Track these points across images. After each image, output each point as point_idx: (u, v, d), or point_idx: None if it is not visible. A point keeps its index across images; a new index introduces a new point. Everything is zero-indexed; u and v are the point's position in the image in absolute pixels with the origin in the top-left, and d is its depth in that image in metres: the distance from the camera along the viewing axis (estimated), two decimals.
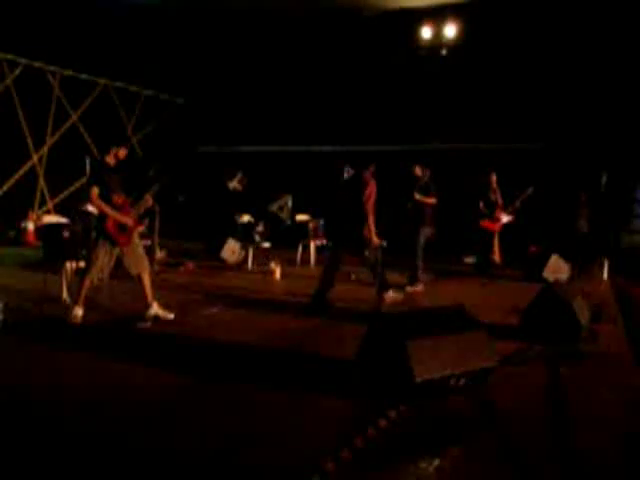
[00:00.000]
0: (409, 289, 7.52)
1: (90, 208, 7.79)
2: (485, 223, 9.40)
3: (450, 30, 10.94)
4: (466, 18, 10.97)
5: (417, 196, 7.78)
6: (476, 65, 11.34)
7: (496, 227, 9.49)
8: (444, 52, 11.12)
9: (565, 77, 10.65)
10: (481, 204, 9.38)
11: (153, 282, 5.73)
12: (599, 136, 10.33)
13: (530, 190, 9.26)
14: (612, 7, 10.00)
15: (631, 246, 10.58)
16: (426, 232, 7.76)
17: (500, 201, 9.46)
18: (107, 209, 5.28)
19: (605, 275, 9.22)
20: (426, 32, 11.10)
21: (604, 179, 10.27)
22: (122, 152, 5.43)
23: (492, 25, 10.91)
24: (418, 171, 7.86)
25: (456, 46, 11.04)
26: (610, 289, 8.31)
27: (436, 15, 11.09)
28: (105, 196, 5.28)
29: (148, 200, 5.57)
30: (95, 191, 5.22)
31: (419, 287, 7.65)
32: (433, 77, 11.74)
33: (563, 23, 10.41)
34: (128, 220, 5.40)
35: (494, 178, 9.51)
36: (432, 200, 7.77)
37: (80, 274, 5.75)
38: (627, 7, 9.85)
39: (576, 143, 10.55)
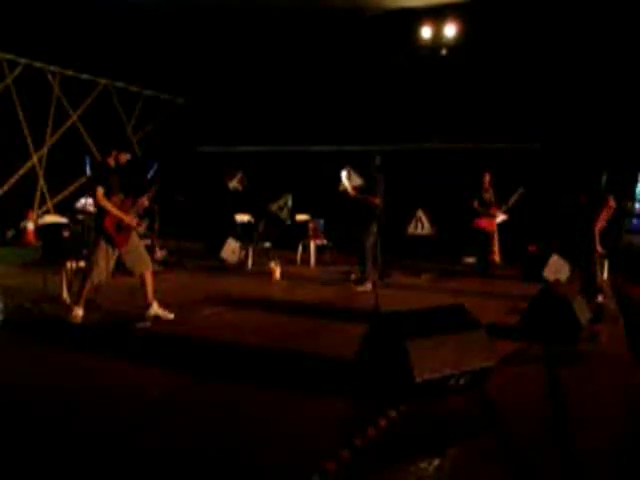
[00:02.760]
0: (360, 289, 7.65)
1: (89, 207, 7.82)
2: (481, 222, 9.40)
3: (450, 30, 10.94)
4: (466, 18, 10.97)
5: (359, 195, 7.83)
6: (476, 65, 11.34)
7: (492, 226, 9.49)
8: (444, 52, 11.12)
9: (565, 77, 10.64)
10: (475, 203, 9.39)
11: (154, 282, 5.73)
12: (599, 136, 10.32)
13: (521, 189, 9.27)
14: (612, 7, 9.99)
15: (631, 246, 10.58)
16: (373, 230, 7.79)
17: (494, 200, 9.47)
18: (113, 209, 5.31)
19: (605, 275, 9.22)
20: (426, 32, 11.10)
21: (604, 179, 10.26)
22: (123, 157, 5.46)
23: (492, 25, 10.90)
24: None
25: (456, 46, 11.04)
26: (610, 289, 8.31)
27: (436, 15, 11.08)
28: (107, 197, 5.32)
29: (144, 202, 5.61)
30: (101, 191, 5.26)
31: (367, 286, 7.68)
32: (433, 77, 11.74)
33: (562, 23, 10.41)
34: (132, 220, 5.42)
35: (487, 178, 9.52)
36: (376, 200, 7.76)
37: (80, 274, 5.75)
38: (627, 7, 9.85)
39: (576, 143, 10.55)
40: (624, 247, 10.44)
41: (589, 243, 7.06)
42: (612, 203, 7.06)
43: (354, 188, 7.97)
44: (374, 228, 7.76)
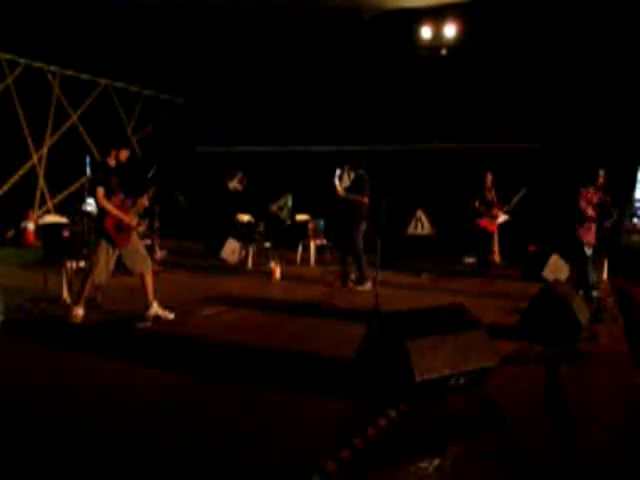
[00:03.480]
0: (359, 288, 7.67)
1: (89, 208, 7.82)
2: (482, 222, 9.40)
3: (450, 30, 10.94)
4: (466, 18, 10.96)
5: (348, 195, 7.85)
6: (476, 65, 11.33)
7: (493, 226, 9.49)
8: (444, 52, 11.12)
9: (564, 77, 10.65)
10: (477, 203, 9.38)
11: (154, 282, 5.73)
12: (598, 136, 10.32)
13: (524, 190, 9.27)
14: (611, 7, 9.99)
15: (631, 246, 10.58)
16: (362, 228, 7.81)
17: (496, 200, 9.47)
18: (113, 209, 5.32)
19: (605, 275, 9.22)
20: (426, 32, 11.10)
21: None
22: (123, 154, 5.46)
23: (492, 25, 10.90)
24: None
25: (456, 46, 11.04)
26: (610, 289, 8.31)
27: (436, 15, 11.08)
28: (107, 197, 5.33)
29: (144, 202, 5.62)
30: (101, 191, 5.26)
31: (367, 286, 7.68)
32: (433, 77, 11.74)
33: (562, 23, 10.41)
34: (132, 220, 5.43)
35: (490, 178, 9.52)
36: (365, 199, 7.79)
37: (80, 274, 5.76)
38: (626, 7, 9.85)
39: (576, 143, 10.55)
40: (624, 247, 10.44)
41: (577, 240, 7.19)
42: (586, 193, 7.22)
43: (345, 188, 8.01)
44: (363, 227, 7.79)
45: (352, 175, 8.09)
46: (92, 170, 6.38)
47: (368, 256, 7.67)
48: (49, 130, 12.19)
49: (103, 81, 13.11)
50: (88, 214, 7.66)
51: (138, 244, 5.66)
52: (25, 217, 11.31)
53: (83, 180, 11.86)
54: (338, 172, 8.15)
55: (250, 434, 3.15)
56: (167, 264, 9.18)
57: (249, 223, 10.03)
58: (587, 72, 10.43)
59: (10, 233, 11.25)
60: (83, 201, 9.40)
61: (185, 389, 3.83)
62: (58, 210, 11.50)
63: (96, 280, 5.43)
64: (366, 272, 7.72)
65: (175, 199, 8.76)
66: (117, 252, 5.46)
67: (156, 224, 9.09)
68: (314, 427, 3.28)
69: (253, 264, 9.47)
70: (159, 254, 9.27)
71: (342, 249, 8.20)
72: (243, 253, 9.61)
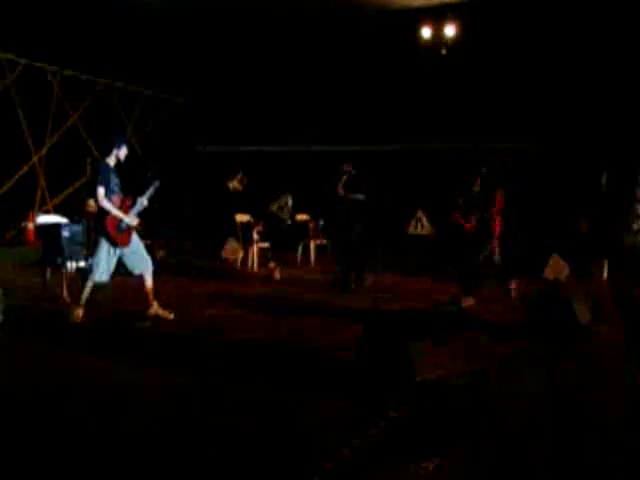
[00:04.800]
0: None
1: (90, 208, 7.82)
2: (455, 217, 9.28)
3: (450, 30, 10.94)
4: (466, 18, 10.97)
5: (347, 194, 7.91)
6: (476, 65, 11.34)
7: (467, 226, 9.39)
8: (444, 52, 11.12)
9: (565, 77, 10.65)
10: (460, 200, 9.31)
11: (154, 282, 5.73)
12: (599, 136, 10.32)
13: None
14: (612, 7, 9.99)
15: (631, 246, 10.56)
16: (358, 229, 7.90)
17: (480, 203, 9.40)
18: (113, 209, 5.33)
19: (605, 275, 9.21)
20: (426, 32, 11.10)
21: (604, 179, 10.26)
22: (122, 153, 5.47)
23: (492, 25, 10.90)
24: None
25: (456, 46, 11.04)
26: (610, 289, 8.30)
27: (436, 15, 11.08)
28: (107, 197, 5.34)
29: (142, 203, 5.62)
30: (101, 191, 5.28)
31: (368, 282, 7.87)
32: (433, 77, 11.74)
33: (562, 23, 10.41)
34: (131, 220, 5.43)
35: (478, 181, 9.48)
36: (358, 196, 7.87)
37: (80, 274, 5.76)
38: (627, 7, 9.85)
39: (576, 143, 10.54)
40: (625, 248, 10.43)
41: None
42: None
43: (343, 187, 8.07)
44: (359, 227, 7.84)
45: (346, 175, 8.11)
46: (92, 170, 6.39)
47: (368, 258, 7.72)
48: (49, 130, 12.18)
49: (103, 81, 13.10)
50: (89, 214, 7.67)
51: (138, 244, 5.66)
52: (25, 217, 11.31)
53: (83, 180, 11.87)
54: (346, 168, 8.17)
55: (250, 434, 3.16)
56: (167, 264, 9.18)
57: (249, 223, 10.03)
58: (588, 71, 10.42)
59: (10, 233, 11.25)
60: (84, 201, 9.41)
61: (185, 389, 3.83)
62: (58, 210, 11.49)
63: (96, 280, 5.44)
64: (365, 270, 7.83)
65: (182, 209, 8.75)
66: (117, 252, 5.47)
67: (156, 224, 9.08)
68: (314, 427, 3.28)
69: (253, 264, 9.47)
70: (159, 254, 9.26)
71: (343, 249, 8.24)
72: (243, 253, 9.60)
